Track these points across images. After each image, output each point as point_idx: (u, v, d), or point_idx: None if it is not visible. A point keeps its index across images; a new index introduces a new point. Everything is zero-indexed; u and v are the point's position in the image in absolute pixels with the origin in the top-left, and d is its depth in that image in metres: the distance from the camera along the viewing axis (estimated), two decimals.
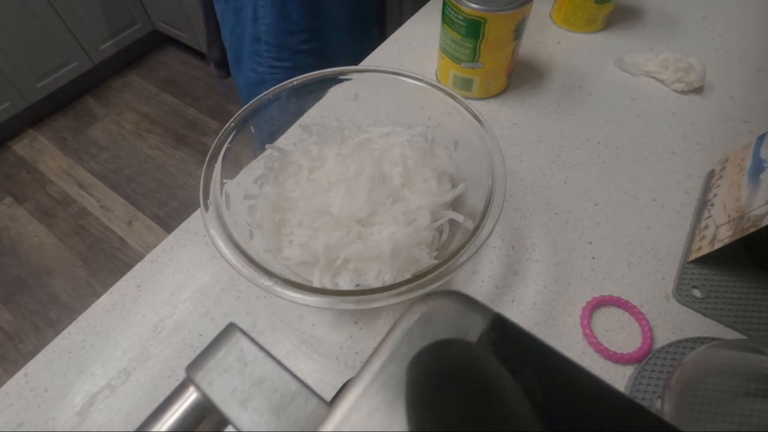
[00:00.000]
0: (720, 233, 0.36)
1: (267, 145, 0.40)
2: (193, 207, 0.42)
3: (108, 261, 1.40)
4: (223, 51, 0.76)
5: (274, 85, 0.39)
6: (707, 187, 0.43)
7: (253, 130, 0.39)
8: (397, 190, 0.37)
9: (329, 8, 0.64)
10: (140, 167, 1.62)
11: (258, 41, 0.65)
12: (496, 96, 0.53)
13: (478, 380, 0.11)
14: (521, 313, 0.37)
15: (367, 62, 0.57)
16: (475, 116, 0.37)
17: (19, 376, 0.35)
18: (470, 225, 0.33)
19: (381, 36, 0.76)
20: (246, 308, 0.38)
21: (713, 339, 0.34)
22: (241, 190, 0.37)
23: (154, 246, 0.42)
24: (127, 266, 0.92)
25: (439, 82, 0.49)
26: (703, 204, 0.41)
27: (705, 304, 0.36)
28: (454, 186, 0.38)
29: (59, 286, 1.35)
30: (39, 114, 1.75)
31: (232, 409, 0.14)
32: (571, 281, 0.38)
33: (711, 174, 0.44)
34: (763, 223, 0.31)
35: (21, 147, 1.69)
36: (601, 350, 0.34)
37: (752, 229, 0.32)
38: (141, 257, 0.41)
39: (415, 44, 0.59)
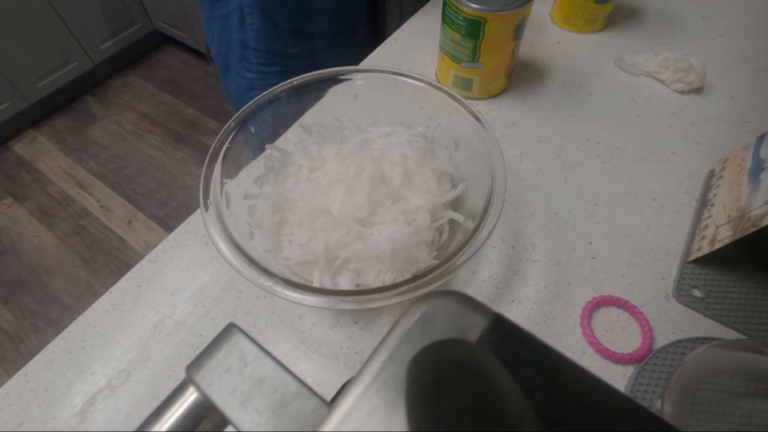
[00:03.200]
0: (720, 233, 0.36)
1: (267, 145, 0.40)
2: (193, 207, 0.42)
3: (108, 261, 1.40)
4: None
5: (264, 90, 0.39)
6: (707, 187, 0.43)
7: (253, 130, 0.39)
8: (397, 190, 0.37)
9: (314, 10, 0.64)
10: (140, 167, 1.62)
11: (246, 47, 0.64)
12: (496, 96, 0.53)
13: (478, 380, 0.11)
14: (521, 313, 0.37)
15: (367, 62, 0.57)
16: (475, 116, 0.37)
17: (19, 376, 0.35)
18: (470, 225, 0.33)
19: (374, 35, 0.75)
20: (246, 308, 0.38)
21: (713, 339, 0.34)
22: (241, 190, 0.37)
23: (154, 246, 0.42)
24: (127, 266, 0.92)
25: (439, 82, 0.49)
26: (703, 204, 0.41)
27: (705, 304, 0.36)
28: (454, 186, 0.38)
29: (59, 286, 1.35)
30: (39, 114, 1.75)
31: (232, 409, 0.14)
32: (571, 281, 0.38)
33: (711, 174, 0.44)
34: (763, 223, 0.31)
35: (21, 147, 1.69)
36: (601, 350, 0.34)
37: (752, 229, 0.32)
38: (141, 257, 0.41)
39: (415, 44, 0.59)
